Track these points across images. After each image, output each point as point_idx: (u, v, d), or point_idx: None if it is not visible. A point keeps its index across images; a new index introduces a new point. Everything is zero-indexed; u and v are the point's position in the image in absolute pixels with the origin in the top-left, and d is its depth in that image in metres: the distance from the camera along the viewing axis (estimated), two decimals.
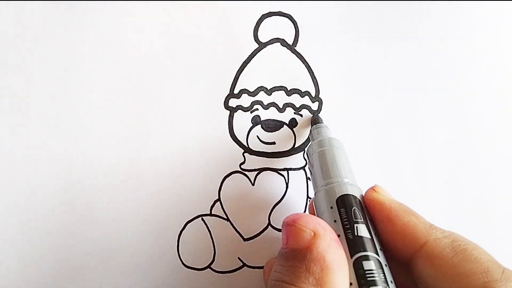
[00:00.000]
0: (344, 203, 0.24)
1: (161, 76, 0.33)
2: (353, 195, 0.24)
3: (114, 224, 0.32)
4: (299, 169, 0.33)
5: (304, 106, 0.33)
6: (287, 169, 0.33)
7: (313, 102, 0.34)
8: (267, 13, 0.34)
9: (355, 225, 0.23)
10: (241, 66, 0.33)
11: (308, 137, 0.33)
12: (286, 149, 0.33)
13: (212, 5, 0.33)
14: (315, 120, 0.32)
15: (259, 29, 0.34)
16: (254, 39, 0.34)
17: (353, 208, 0.24)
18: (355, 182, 0.26)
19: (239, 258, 0.32)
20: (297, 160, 0.33)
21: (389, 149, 0.34)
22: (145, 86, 0.33)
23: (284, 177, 0.33)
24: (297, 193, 0.33)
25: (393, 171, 0.34)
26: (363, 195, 0.25)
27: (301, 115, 0.33)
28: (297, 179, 0.33)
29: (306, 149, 0.30)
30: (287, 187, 0.33)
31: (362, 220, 0.23)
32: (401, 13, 0.35)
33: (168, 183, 0.32)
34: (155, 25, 0.33)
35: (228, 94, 0.33)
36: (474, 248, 0.22)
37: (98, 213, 0.32)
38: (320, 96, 0.34)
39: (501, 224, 0.34)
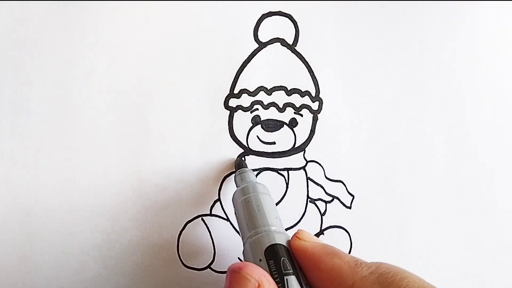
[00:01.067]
0: (272, 254, 0.24)
1: (161, 76, 0.33)
2: (281, 244, 0.24)
3: (113, 224, 0.32)
4: (299, 169, 0.33)
5: (304, 106, 0.33)
6: (287, 169, 0.33)
7: (313, 102, 0.34)
8: (267, 13, 0.34)
9: (285, 277, 0.23)
10: (241, 66, 0.33)
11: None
12: (286, 149, 0.33)
13: (212, 5, 0.33)
14: (238, 165, 0.32)
15: (259, 29, 0.34)
16: (254, 39, 0.34)
17: (282, 258, 0.23)
18: (282, 229, 0.26)
19: (239, 258, 0.32)
20: (297, 160, 0.33)
21: (389, 149, 0.34)
22: (145, 86, 0.33)
23: (284, 177, 0.33)
24: (297, 193, 0.33)
25: (393, 171, 0.34)
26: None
27: (301, 115, 0.33)
28: (297, 179, 0.33)
29: (232, 197, 0.30)
30: (287, 187, 0.33)
31: (292, 271, 0.23)
32: (401, 13, 0.35)
33: (168, 183, 0.32)
34: (155, 25, 0.33)
35: (228, 94, 0.33)
36: (402, 277, 0.22)
37: (98, 213, 0.32)
38: (320, 96, 0.34)
39: (501, 224, 0.34)
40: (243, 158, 0.32)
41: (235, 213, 0.29)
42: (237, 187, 0.30)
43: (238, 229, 0.28)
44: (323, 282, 0.23)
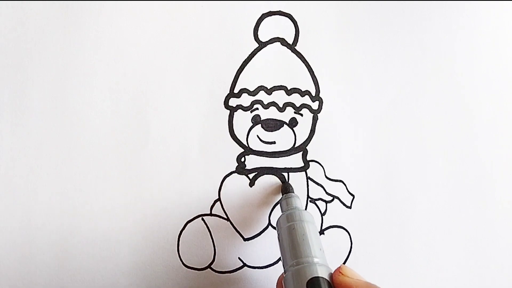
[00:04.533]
0: (314, 287, 0.24)
1: (161, 75, 0.33)
2: (323, 278, 0.24)
3: (114, 224, 0.32)
4: (299, 168, 0.33)
5: (304, 106, 0.33)
6: (287, 169, 0.33)
7: (313, 101, 0.34)
8: (267, 12, 0.34)
9: None
10: (241, 66, 0.33)
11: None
12: (286, 149, 0.33)
13: (212, 5, 0.33)
14: (285, 189, 0.32)
15: (259, 28, 0.34)
16: (254, 38, 0.34)
17: None
18: (325, 261, 0.26)
19: (239, 258, 0.32)
20: (297, 159, 0.33)
21: (389, 148, 0.34)
22: (145, 86, 0.33)
23: (284, 177, 0.33)
24: (297, 193, 0.33)
25: (393, 171, 0.34)
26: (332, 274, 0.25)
27: (301, 115, 0.33)
28: (297, 179, 0.33)
29: (277, 220, 0.29)
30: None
31: None
32: (401, 13, 0.35)
33: (168, 183, 0.32)
34: (155, 25, 0.33)
35: (228, 94, 0.33)
36: None
37: (98, 213, 0.32)
38: (320, 95, 0.34)
39: (501, 224, 0.34)
40: (289, 183, 0.32)
41: (278, 238, 0.28)
42: (282, 211, 0.30)
43: (281, 254, 0.28)
44: None
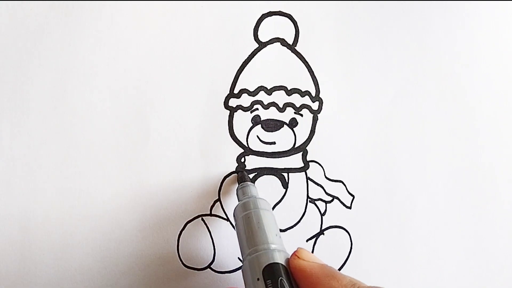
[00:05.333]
0: (270, 273, 0.24)
1: (161, 76, 0.33)
2: (279, 264, 0.24)
3: (114, 224, 0.32)
4: (299, 169, 0.33)
5: (304, 106, 0.33)
6: (287, 169, 0.33)
7: (313, 101, 0.34)
8: (267, 12, 0.34)
9: None
10: (241, 66, 0.33)
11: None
12: (286, 149, 0.33)
13: (212, 5, 0.33)
14: (241, 178, 0.31)
15: (259, 28, 0.34)
16: (254, 38, 0.34)
17: (280, 278, 0.23)
18: (283, 247, 0.26)
19: (239, 258, 0.32)
20: (297, 160, 0.33)
21: (389, 149, 0.34)
22: (145, 86, 0.33)
23: (284, 177, 0.33)
24: (297, 193, 0.33)
25: (393, 171, 0.34)
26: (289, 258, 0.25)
27: (302, 115, 0.33)
28: (297, 179, 0.33)
29: (233, 210, 0.29)
30: (287, 187, 0.33)
31: None
32: (401, 13, 0.35)
33: (168, 183, 0.32)
34: (155, 25, 0.33)
35: (228, 94, 0.33)
36: None
37: (98, 213, 0.32)
38: (320, 95, 0.34)
39: (501, 224, 0.34)
40: (244, 172, 0.32)
41: (235, 229, 0.28)
42: (238, 201, 0.30)
43: (239, 244, 0.28)
44: None
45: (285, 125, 0.33)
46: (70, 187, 0.32)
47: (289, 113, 0.33)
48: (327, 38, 0.34)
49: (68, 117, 0.32)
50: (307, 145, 0.33)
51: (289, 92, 0.33)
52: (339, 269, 0.33)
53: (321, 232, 0.33)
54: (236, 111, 0.33)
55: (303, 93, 0.33)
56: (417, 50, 0.35)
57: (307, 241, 0.33)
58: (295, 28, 0.34)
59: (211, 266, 0.32)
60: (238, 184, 0.31)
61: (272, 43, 0.34)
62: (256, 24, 0.34)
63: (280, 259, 0.24)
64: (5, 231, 0.31)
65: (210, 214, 0.32)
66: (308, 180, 0.33)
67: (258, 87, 0.33)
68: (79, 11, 0.33)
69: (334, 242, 0.33)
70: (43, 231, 0.31)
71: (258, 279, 0.24)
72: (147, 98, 0.33)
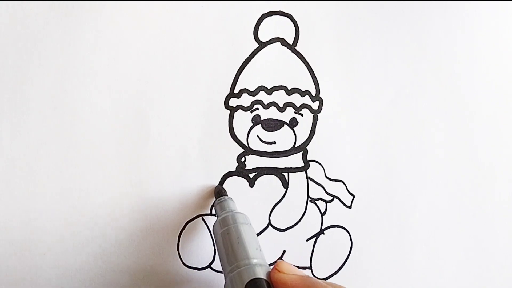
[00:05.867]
0: None
1: (161, 76, 0.33)
2: (261, 279, 0.24)
3: (114, 224, 0.32)
4: (299, 168, 0.33)
5: (304, 106, 0.33)
6: (287, 169, 0.33)
7: (313, 101, 0.34)
8: (267, 12, 0.34)
9: None
10: (241, 66, 0.33)
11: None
12: (286, 149, 0.33)
13: (212, 4, 0.33)
14: (218, 193, 0.31)
15: (259, 28, 0.34)
16: (254, 38, 0.34)
17: None
18: (264, 261, 0.26)
19: None
20: (297, 159, 0.33)
21: (389, 148, 0.34)
22: (145, 86, 0.33)
23: (284, 177, 0.33)
24: (297, 193, 0.33)
25: (393, 171, 0.34)
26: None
27: (302, 115, 0.33)
28: (297, 179, 0.33)
29: (212, 227, 0.29)
30: (287, 186, 0.33)
31: None
32: (401, 13, 0.35)
33: (168, 183, 0.32)
34: (155, 25, 0.33)
35: (228, 94, 0.33)
36: None
37: (98, 212, 0.32)
38: (320, 95, 0.34)
39: (501, 224, 0.34)
40: (222, 186, 0.32)
41: (215, 245, 0.28)
42: (217, 217, 0.29)
43: (220, 263, 0.27)
44: None
45: (285, 125, 0.33)
46: (70, 187, 0.32)
47: (289, 113, 0.33)
48: (327, 38, 0.34)
49: (68, 117, 0.32)
50: (307, 145, 0.33)
51: (289, 92, 0.33)
52: (339, 269, 0.33)
53: (321, 231, 0.33)
54: (236, 111, 0.33)
55: (303, 93, 0.33)
56: (417, 50, 0.35)
57: (307, 240, 0.33)
58: (295, 28, 0.34)
59: (211, 266, 0.32)
60: (216, 199, 0.31)
61: (272, 43, 0.34)
62: (256, 24, 0.34)
63: (262, 273, 0.24)
64: (5, 231, 0.31)
65: (210, 214, 0.32)
66: (308, 180, 0.33)
67: (258, 87, 0.33)
68: (79, 11, 0.33)
69: (334, 241, 0.33)
70: (43, 231, 0.31)
71: None
72: (147, 98, 0.33)
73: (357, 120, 0.34)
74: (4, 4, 0.33)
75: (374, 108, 0.34)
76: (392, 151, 0.34)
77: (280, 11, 0.34)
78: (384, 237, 0.33)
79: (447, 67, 0.35)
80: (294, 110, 0.33)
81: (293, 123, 0.33)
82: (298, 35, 0.34)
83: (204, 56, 0.33)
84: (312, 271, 0.33)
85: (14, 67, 0.32)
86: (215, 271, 0.32)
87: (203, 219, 0.32)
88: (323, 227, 0.33)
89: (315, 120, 0.34)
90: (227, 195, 0.31)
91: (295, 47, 0.34)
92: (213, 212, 0.32)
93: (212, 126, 0.33)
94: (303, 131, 0.33)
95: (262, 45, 0.34)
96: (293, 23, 0.34)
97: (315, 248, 0.33)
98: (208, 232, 0.32)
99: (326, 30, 0.34)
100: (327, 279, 0.33)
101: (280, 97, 0.33)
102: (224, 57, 0.33)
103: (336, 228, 0.33)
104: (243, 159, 0.33)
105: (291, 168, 0.33)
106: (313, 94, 0.34)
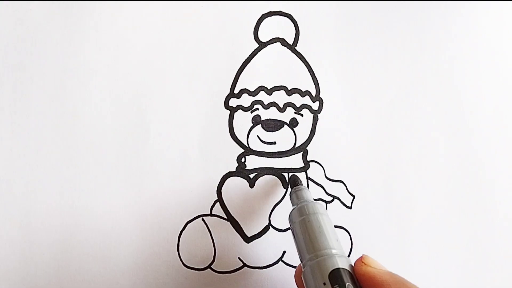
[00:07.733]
0: (337, 278, 0.23)
1: (161, 76, 0.33)
2: (344, 269, 0.24)
3: (114, 224, 0.32)
4: (299, 169, 0.33)
5: (304, 106, 0.33)
6: (288, 169, 0.33)
7: (313, 101, 0.34)
8: (267, 12, 0.34)
9: None
10: (241, 66, 0.33)
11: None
12: (286, 149, 0.33)
13: (212, 5, 0.33)
14: (294, 182, 0.31)
15: (259, 28, 0.34)
16: (254, 38, 0.34)
17: (347, 284, 0.23)
18: (343, 252, 0.26)
19: (239, 258, 0.32)
20: (297, 160, 0.33)
21: (389, 149, 0.34)
22: (145, 86, 0.33)
23: (284, 177, 0.33)
24: None
25: (393, 171, 0.34)
26: (352, 265, 0.25)
27: (302, 115, 0.33)
28: None
29: (289, 214, 0.29)
30: (287, 187, 0.33)
31: None
32: (401, 13, 0.35)
33: (168, 183, 0.32)
34: (155, 25, 0.33)
35: (228, 94, 0.33)
36: None
37: (98, 213, 0.32)
38: (320, 95, 0.34)
39: (501, 224, 0.34)
40: (296, 175, 0.32)
41: (292, 233, 0.28)
42: (292, 205, 0.29)
43: (296, 248, 0.27)
44: None
45: (285, 125, 0.33)
46: (70, 187, 0.32)
47: (289, 113, 0.33)
48: (327, 38, 0.34)
49: (68, 117, 0.32)
50: (307, 145, 0.33)
51: (290, 92, 0.33)
52: None
53: None
54: (236, 111, 0.33)
55: (303, 93, 0.33)
56: (417, 50, 0.35)
57: None
58: (295, 28, 0.34)
59: (211, 266, 0.32)
60: (291, 188, 0.31)
61: (272, 43, 0.34)
62: (256, 24, 0.34)
63: (344, 264, 0.24)
64: (5, 231, 0.31)
65: (210, 214, 0.32)
66: (309, 180, 0.33)
67: (259, 87, 0.33)
68: (79, 11, 0.33)
69: None
70: (43, 231, 0.31)
71: (324, 284, 0.23)
72: (147, 98, 0.33)
73: (357, 120, 0.34)
74: (4, 4, 0.33)
75: (374, 108, 0.34)
76: (392, 151, 0.34)
77: (280, 11, 0.34)
78: (384, 237, 0.33)
79: (447, 67, 0.35)
80: (294, 111, 0.33)
81: (293, 124, 0.33)
82: (298, 35, 0.34)
83: (204, 56, 0.33)
84: None
85: (14, 67, 0.32)
86: (215, 271, 0.32)
87: (203, 219, 0.32)
88: None
89: (315, 120, 0.34)
90: (302, 184, 0.31)
91: (295, 47, 0.34)
92: (213, 212, 0.32)
93: (212, 126, 0.33)
94: (303, 131, 0.33)
95: (262, 45, 0.34)
96: (293, 23, 0.34)
97: None
98: (208, 232, 0.32)
99: (326, 30, 0.34)
100: None
101: (280, 97, 0.33)
102: (224, 57, 0.33)
103: (336, 228, 0.33)
104: (243, 159, 0.33)
105: (291, 168, 0.33)
106: (313, 94, 0.34)
